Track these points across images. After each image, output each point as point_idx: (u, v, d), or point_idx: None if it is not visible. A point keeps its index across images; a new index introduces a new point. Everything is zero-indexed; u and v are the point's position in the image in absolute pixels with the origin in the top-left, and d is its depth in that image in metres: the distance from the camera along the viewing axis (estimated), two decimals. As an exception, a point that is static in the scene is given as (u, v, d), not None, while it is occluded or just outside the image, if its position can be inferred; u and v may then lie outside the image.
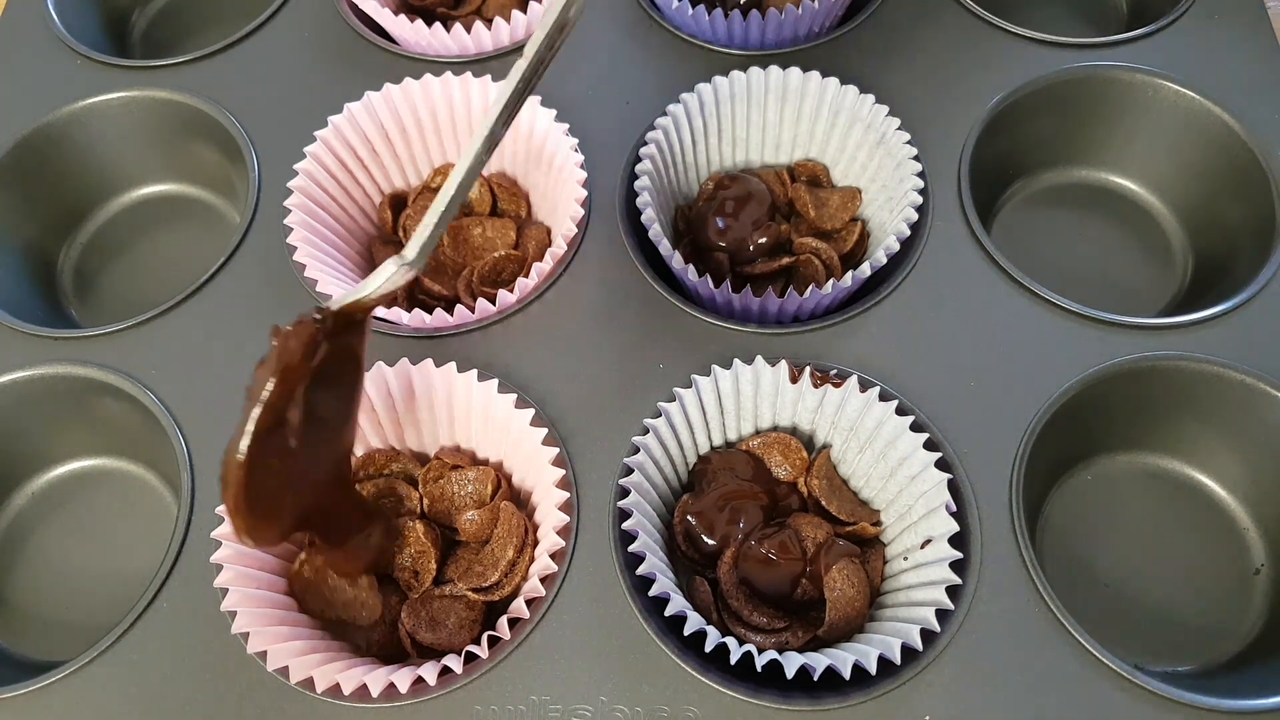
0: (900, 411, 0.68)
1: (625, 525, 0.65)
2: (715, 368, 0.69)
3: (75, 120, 0.88)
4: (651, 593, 0.63)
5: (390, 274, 0.57)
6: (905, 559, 0.66)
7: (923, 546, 0.65)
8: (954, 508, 0.64)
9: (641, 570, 0.63)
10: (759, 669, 0.61)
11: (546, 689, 0.63)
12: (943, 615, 0.62)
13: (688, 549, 0.68)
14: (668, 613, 0.62)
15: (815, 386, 0.69)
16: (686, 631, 0.62)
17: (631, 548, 0.64)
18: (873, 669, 0.60)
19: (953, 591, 0.63)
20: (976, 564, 0.65)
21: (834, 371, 0.71)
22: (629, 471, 0.67)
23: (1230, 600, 0.70)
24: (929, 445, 0.66)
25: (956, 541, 0.64)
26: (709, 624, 0.62)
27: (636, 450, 0.68)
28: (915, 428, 0.67)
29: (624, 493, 0.66)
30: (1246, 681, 0.64)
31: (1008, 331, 0.73)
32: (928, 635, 0.62)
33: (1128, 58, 0.84)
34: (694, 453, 0.72)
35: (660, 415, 0.69)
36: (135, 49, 1.02)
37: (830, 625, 0.64)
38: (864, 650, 0.61)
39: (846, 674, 0.60)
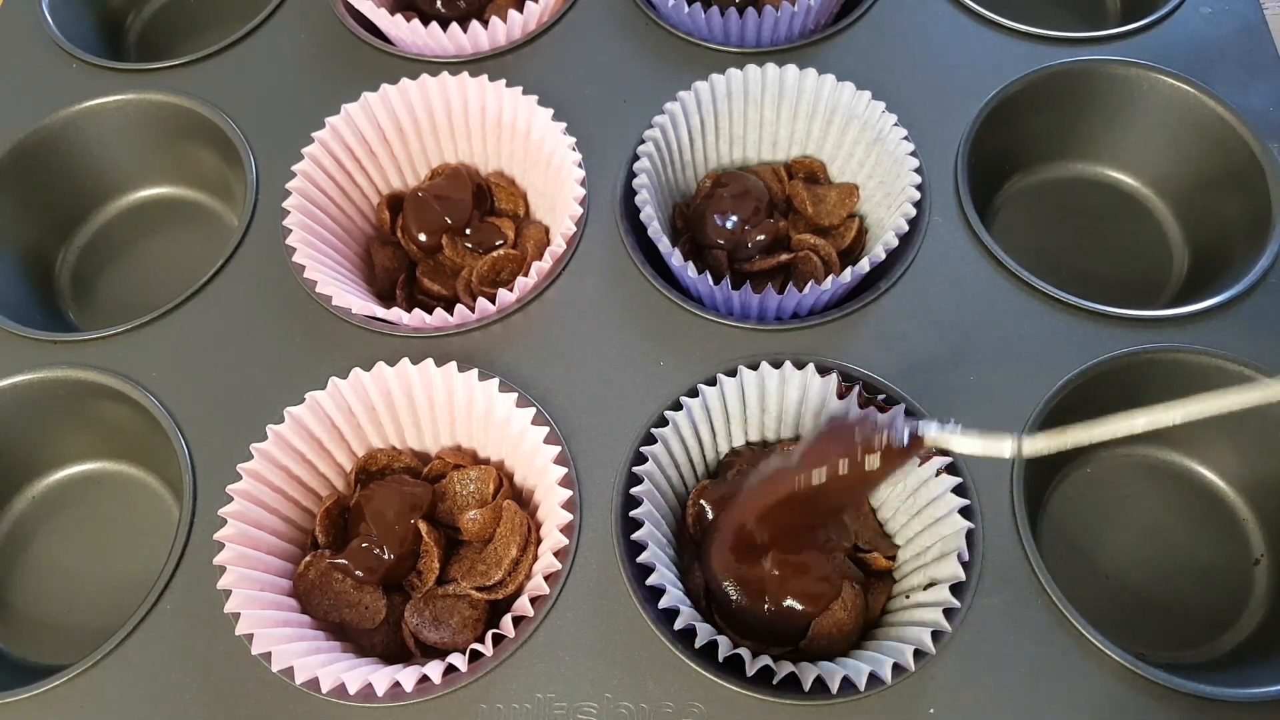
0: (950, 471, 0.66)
1: (633, 513, 0.65)
2: (765, 363, 0.69)
3: (71, 124, 0.88)
4: (649, 582, 0.63)
5: (1003, 450, 0.54)
6: (908, 597, 0.66)
7: (925, 589, 0.64)
8: (966, 557, 0.64)
9: (642, 559, 0.63)
10: (748, 675, 0.61)
11: (551, 686, 0.63)
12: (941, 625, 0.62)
13: (697, 533, 0.68)
14: (662, 605, 0.62)
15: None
16: (677, 626, 0.62)
17: (634, 535, 0.64)
18: (888, 678, 0.60)
19: (949, 611, 0.62)
20: (979, 557, 0.65)
21: (882, 397, 0.70)
22: (639, 470, 0.67)
23: (1231, 590, 0.70)
24: (958, 490, 0.65)
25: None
26: (699, 610, 0.62)
27: (644, 454, 0.68)
28: (951, 470, 0.66)
29: (635, 481, 0.66)
30: (1248, 671, 0.65)
31: (1007, 326, 0.73)
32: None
33: (1123, 52, 0.84)
34: (714, 450, 0.72)
35: (681, 409, 0.69)
36: (131, 52, 1.02)
37: (811, 640, 0.63)
38: (877, 658, 0.61)
39: (861, 685, 0.60)
